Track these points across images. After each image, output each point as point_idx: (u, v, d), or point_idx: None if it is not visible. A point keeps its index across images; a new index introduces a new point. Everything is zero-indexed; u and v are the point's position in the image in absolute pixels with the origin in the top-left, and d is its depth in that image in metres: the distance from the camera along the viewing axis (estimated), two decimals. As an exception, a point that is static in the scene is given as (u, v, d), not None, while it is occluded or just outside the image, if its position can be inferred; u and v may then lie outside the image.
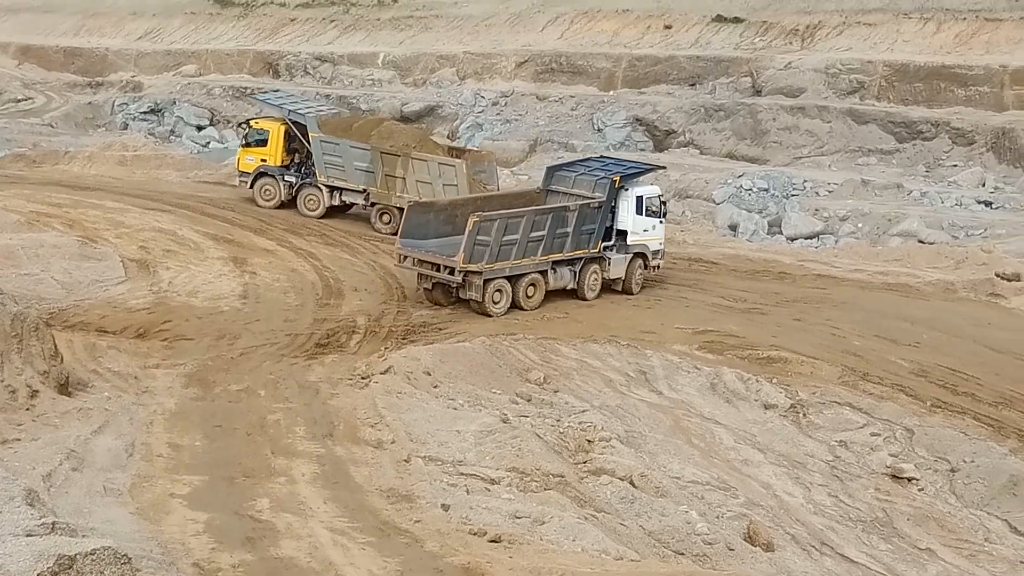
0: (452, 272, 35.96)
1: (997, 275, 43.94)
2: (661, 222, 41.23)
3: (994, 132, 79.49)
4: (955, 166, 78.51)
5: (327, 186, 49.33)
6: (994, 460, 29.37)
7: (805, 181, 74.45)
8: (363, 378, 29.13)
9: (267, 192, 50.50)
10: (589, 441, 26.71)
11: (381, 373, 29.22)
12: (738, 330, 36.05)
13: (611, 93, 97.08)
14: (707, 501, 25.31)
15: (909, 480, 28.85)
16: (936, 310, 40.02)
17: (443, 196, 45.41)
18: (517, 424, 26.46)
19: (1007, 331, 38.45)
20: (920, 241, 59.16)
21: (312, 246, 43.98)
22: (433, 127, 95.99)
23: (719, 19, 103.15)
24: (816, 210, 67.94)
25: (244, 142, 52.18)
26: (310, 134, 49.38)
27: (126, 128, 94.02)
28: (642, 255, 40.30)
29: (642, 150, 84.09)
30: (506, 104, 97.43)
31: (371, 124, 52.61)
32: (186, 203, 49.13)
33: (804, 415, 31.30)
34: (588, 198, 39.12)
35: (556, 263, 38.03)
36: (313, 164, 49.71)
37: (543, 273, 37.75)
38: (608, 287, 39.86)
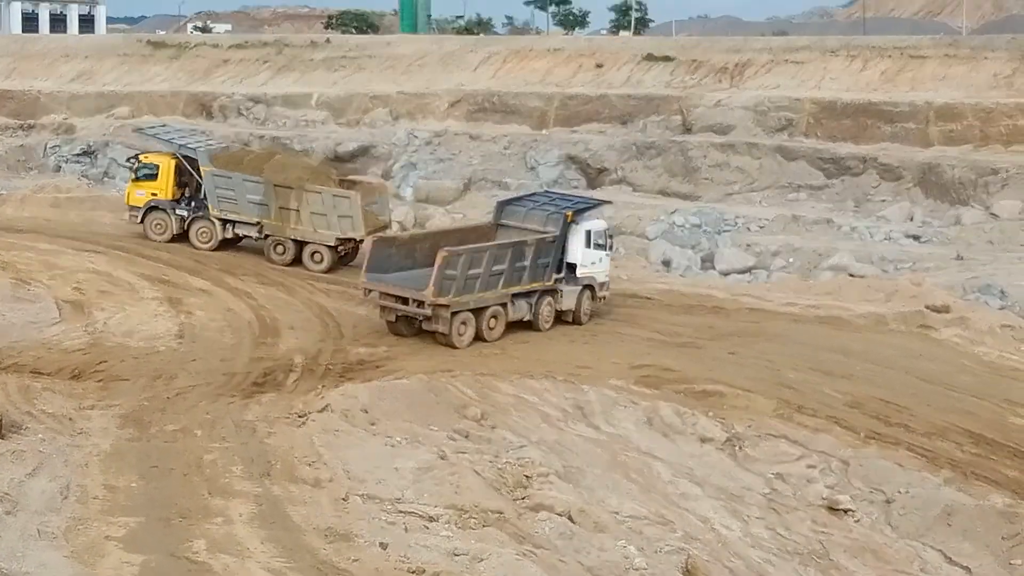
0: (421, 305, 36.79)
1: (927, 307, 44.45)
2: (607, 255, 42.55)
3: (920, 167, 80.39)
4: (883, 201, 79.30)
5: (220, 219, 49.81)
6: (928, 490, 29.64)
7: (737, 217, 75.03)
8: (300, 416, 29.02)
9: (159, 226, 50.82)
10: (527, 477, 26.71)
11: (318, 411, 29.14)
12: (674, 364, 36.23)
13: (544, 132, 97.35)
14: (645, 536, 25.32)
15: (845, 512, 29.04)
16: (868, 342, 40.40)
17: (337, 228, 47.50)
18: (455, 461, 26.46)
19: (938, 362, 38.93)
20: (851, 275, 59.61)
21: (248, 285, 43.86)
22: (367, 167, 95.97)
23: (650, 58, 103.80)
24: (748, 245, 68.44)
25: (134, 176, 52.25)
26: (202, 168, 49.90)
27: (59, 170, 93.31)
28: (590, 287, 41.51)
29: (575, 188, 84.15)
30: (440, 144, 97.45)
31: (263, 157, 53.51)
32: (120, 244, 48.89)
33: (740, 448, 31.47)
34: (540, 232, 40.23)
35: (515, 295, 39.09)
36: (204, 197, 50.07)
37: (503, 305, 38.80)
38: (559, 318, 40.72)
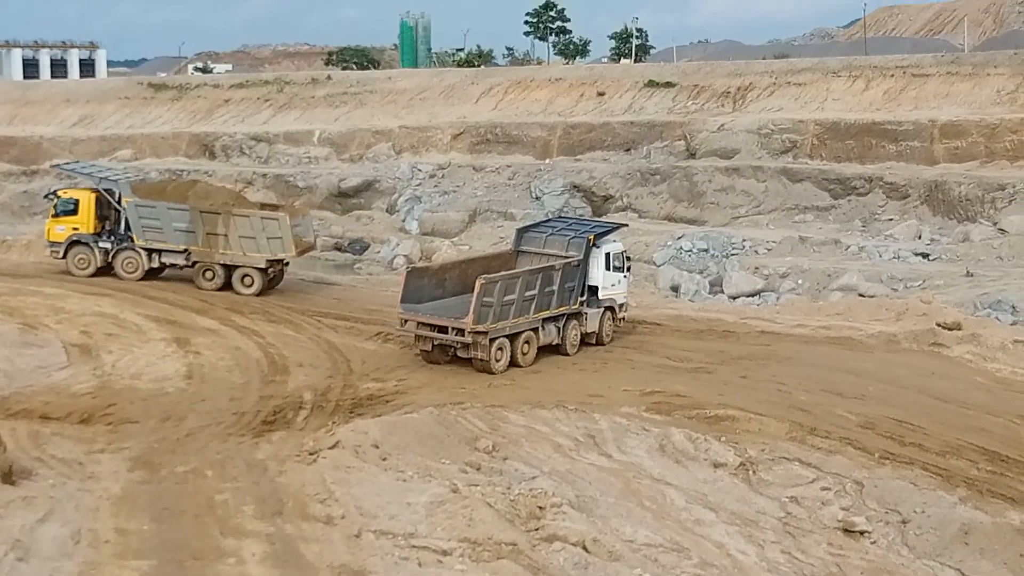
0: (460, 333, 37.35)
1: (938, 325, 44.32)
2: (625, 277, 43.44)
3: (927, 185, 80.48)
4: (890, 220, 79.40)
5: (145, 249, 50.37)
6: (944, 509, 29.44)
7: (744, 240, 75.10)
8: (311, 454, 28.86)
9: (81, 260, 51.29)
10: (540, 508, 26.55)
11: (329, 448, 28.99)
12: (685, 390, 36.10)
13: (547, 161, 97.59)
14: (661, 563, 25.17)
15: (861, 533, 28.84)
16: (880, 362, 40.27)
17: (267, 249, 48.68)
18: (467, 493, 26.32)
19: (950, 380, 38.76)
20: (860, 295, 59.64)
21: (255, 324, 43.77)
22: (371, 201, 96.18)
23: (651, 84, 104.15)
24: (756, 268, 68.41)
25: (53, 212, 52.46)
26: (124, 199, 50.44)
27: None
28: (611, 308, 42.33)
29: (582, 216, 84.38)
30: (443, 176, 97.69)
31: (185, 186, 54.81)
32: (126, 286, 48.86)
33: (754, 472, 31.28)
34: (562, 256, 40.88)
35: (545, 320, 39.67)
36: (128, 229, 50.60)
37: (535, 330, 39.40)
38: (583, 341, 41.40)
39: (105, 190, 51.50)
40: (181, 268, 50.43)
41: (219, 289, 49.17)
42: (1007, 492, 30.14)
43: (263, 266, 49.36)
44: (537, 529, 25.67)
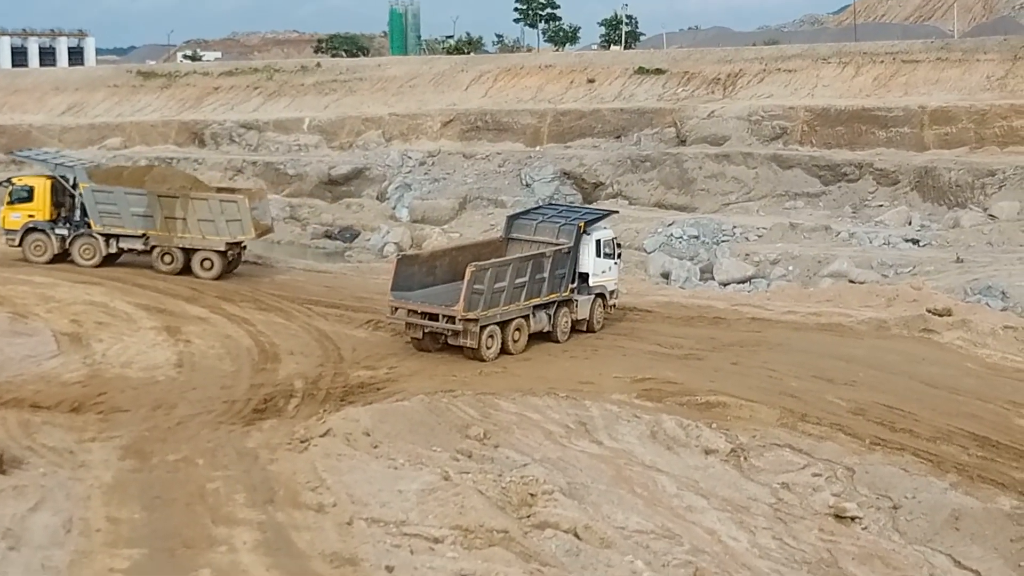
0: (451, 320, 37.33)
1: (928, 311, 44.36)
2: (616, 263, 43.27)
3: (917, 171, 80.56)
4: (881, 206, 79.50)
5: (103, 234, 50.43)
6: (935, 495, 29.50)
7: (734, 227, 75.16)
8: (302, 442, 28.84)
9: (38, 248, 51.29)
10: (532, 495, 26.55)
11: (320, 436, 28.96)
12: (676, 376, 36.12)
13: (537, 148, 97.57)
14: (652, 550, 25.19)
15: (852, 519, 28.90)
16: (870, 348, 40.30)
17: (226, 232, 48.96)
18: (459, 481, 26.30)
19: (940, 366, 38.83)
20: (851, 281, 59.68)
21: (246, 312, 43.71)
22: (361, 189, 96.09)
23: (641, 71, 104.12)
24: (747, 255, 68.45)
25: (9, 200, 52.46)
26: (81, 185, 50.48)
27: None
28: (601, 295, 42.29)
29: (572, 203, 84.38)
30: (433, 163, 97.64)
31: (142, 171, 55.44)
32: (116, 275, 48.74)
33: (745, 459, 31.32)
34: (552, 244, 40.81)
35: (536, 307, 39.60)
36: (84, 215, 50.65)
37: (526, 318, 39.32)
38: (573, 328, 41.35)
39: (61, 176, 51.51)
40: (139, 253, 50.47)
41: (178, 273, 49.38)
42: (997, 478, 30.22)
43: (223, 249, 49.58)
44: (529, 516, 25.67)
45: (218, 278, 49.26)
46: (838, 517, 28.95)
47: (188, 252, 49.75)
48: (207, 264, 49.58)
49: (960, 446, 31.89)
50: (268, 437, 29.73)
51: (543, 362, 38.19)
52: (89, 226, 50.54)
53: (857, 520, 28.89)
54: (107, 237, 50.42)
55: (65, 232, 51.01)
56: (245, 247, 51.88)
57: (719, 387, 35.13)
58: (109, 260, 50.71)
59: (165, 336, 39.85)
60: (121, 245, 50.57)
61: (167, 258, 49.73)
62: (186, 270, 49.68)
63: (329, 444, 28.42)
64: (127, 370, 36.20)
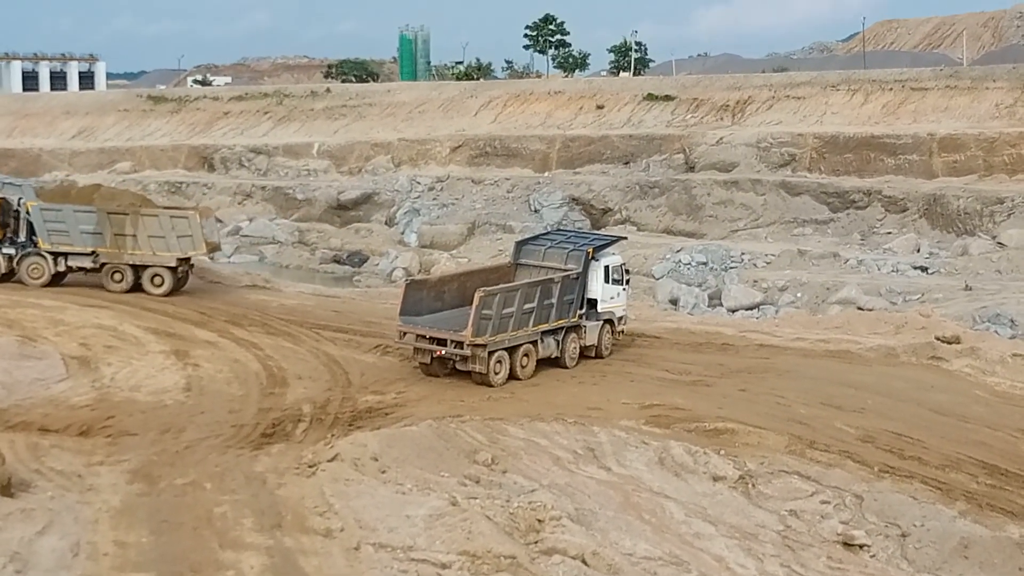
0: (459, 346, 37.21)
1: (937, 338, 44.28)
2: (624, 289, 43.13)
3: (925, 199, 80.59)
4: (889, 233, 79.51)
5: (51, 253, 50.42)
6: (944, 523, 29.41)
7: (743, 253, 75.19)
8: (310, 466, 28.83)
9: None
10: (539, 521, 26.51)
11: (328, 461, 28.96)
12: (684, 403, 36.05)
13: (546, 174, 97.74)
14: (660, 576, 25.16)
15: (861, 547, 28.80)
16: (879, 375, 40.23)
17: (177, 248, 49.26)
18: (467, 506, 26.27)
19: (949, 393, 38.73)
20: (859, 308, 59.68)
21: (254, 336, 43.70)
22: (370, 214, 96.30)
23: (650, 97, 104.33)
24: (755, 281, 68.45)
25: None
26: (29, 204, 50.66)
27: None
28: (610, 321, 42.13)
29: (581, 228, 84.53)
30: (442, 189, 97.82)
31: (90, 189, 55.64)
32: (125, 299, 48.77)
33: (753, 486, 31.24)
34: (561, 270, 40.71)
35: (544, 333, 39.49)
36: (32, 233, 50.60)
37: (534, 343, 39.21)
38: (582, 354, 41.23)
39: (6, 196, 51.63)
40: (88, 271, 50.56)
41: (128, 291, 49.44)
42: (1007, 506, 30.12)
43: (173, 265, 49.78)
44: (536, 542, 25.62)
45: (168, 295, 49.46)
46: (846, 545, 28.85)
47: (138, 269, 49.87)
48: (158, 281, 49.76)
49: (969, 474, 31.80)
50: (276, 462, 29.71)
51: (551, 388, 38.13)
52: (36, 245, 50.55)
53: (865, 548, 28.79)
54: (55, 255, 50.40)
55: (13, 251, 50.93)
56: (192, 265, 52.01)
57: (727, 414, 35.06)
58: (57, 279, 50.80)
59: (174, 360, 39.85)
60: (70, 263, 50.57)
61: (116, 275, 49.82)
62: (136, 287, 49.78)
63: (337, 469, 28.41)
64: (136, 394, 36.19)
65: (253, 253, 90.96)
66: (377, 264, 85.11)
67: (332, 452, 29.57)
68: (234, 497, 26.83)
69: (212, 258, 58.42)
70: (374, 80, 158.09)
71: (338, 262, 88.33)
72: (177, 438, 31.92)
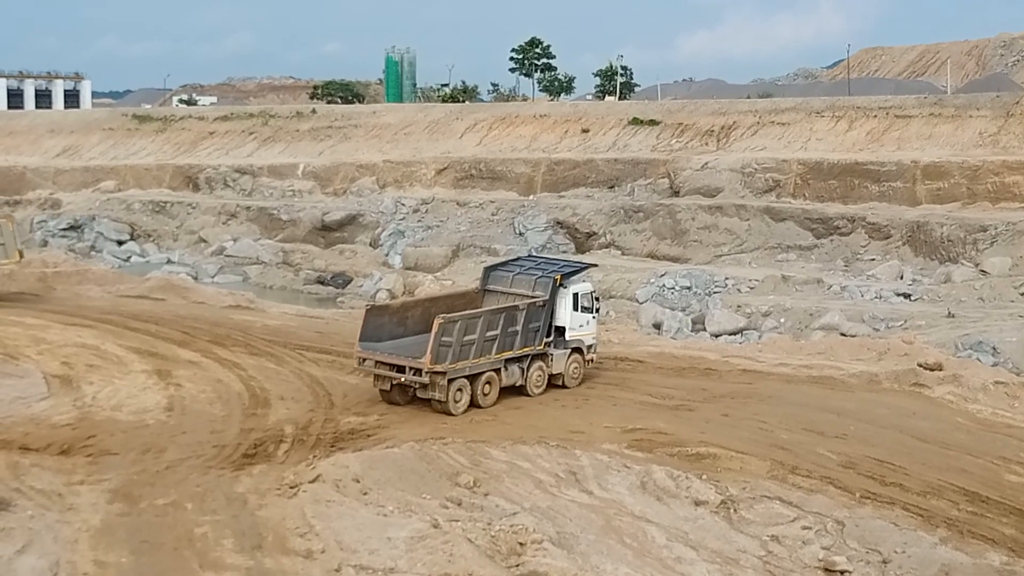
0: (418, 373, 36.40)
1: (919, 365, 44.36)
2: (594, 317, 42.21)
3: (909, 226, 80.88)
4: (872, 260, 79.78)
5: None
6: (925, 550, 29.41)
7: (726, 278, 75.35)
8: (292, 487, 28.78)
9: None
10: (521, 544, 26.49)
11: (310, 482, 28.92)
12: (666, 427, 36.04)
13: (531, 197, 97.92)
14: (641, 601, 25.14)
15: (842, 573, 28.77)
16: (861, 402, 40.27)
17: None
18: (448, 529, 26.25)
19: (931, 420, 38.78)
20: (842, 334, 59.80)
21: (237, 356, 43.63)
22: (355, 235, 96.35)
23: (635, 122, 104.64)
24: (738, 306, 68.56)
25: None
26: None
27: (45, 245, 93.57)
28: (578, 350, 41.27)
29: (564, 252, 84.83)
30: (427, 211, 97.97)
31: None
32: (108, 317, 48.71)
33: (735, 511, 31.22)
34: (528, 296, 40.04)
35: (508, 360, 38.73)
36: None
37: (497, 371, 38.43)
38: (549, 382, 40.54)
39: None
40: None
41: None
42: (987, 533, 30.13)
43: None
44: (518, 565, 25.59)
45: None
46: (828, 571, 28.82)
47: None
48: None
49: (950, 501, 31.82)
50: (257, 482, 29.64)
51: (534, 411, 38.07)
52: None
53: (847, 574, 28.75)
54: None
55: None
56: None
57: (710, 438, 35.06)
58: None
59: (156, 380, 39.76)
60: None
61: None
62: None
63: (318, 490, 28.36)
64: (117, 413, 36.08)
65: (237, 273, 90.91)
66: (361, 285, 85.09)
67: (314, 473, 29.52)
68: (215, 517, 26.76)
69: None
70: (360, 101, 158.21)
71: (322, 283, 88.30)
72: (158, 458, 31.83)
